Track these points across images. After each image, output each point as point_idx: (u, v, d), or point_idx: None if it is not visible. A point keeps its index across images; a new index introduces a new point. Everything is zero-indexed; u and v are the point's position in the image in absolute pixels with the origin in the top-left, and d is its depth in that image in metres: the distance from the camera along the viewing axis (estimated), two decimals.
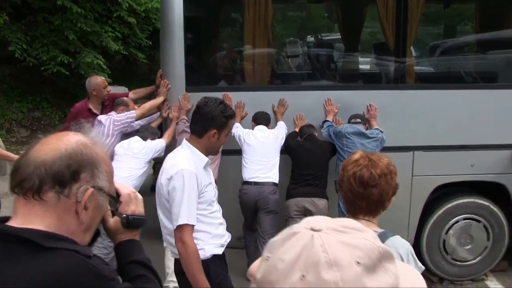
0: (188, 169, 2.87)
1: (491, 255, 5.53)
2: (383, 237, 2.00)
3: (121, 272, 1.49)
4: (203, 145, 3.00)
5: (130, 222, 1.49)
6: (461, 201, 5.38)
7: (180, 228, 2.82)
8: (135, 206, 1.52)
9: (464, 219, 5.40)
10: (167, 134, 4.89)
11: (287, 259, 0.79)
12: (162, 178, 2.95)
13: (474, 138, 5.25)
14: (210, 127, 2.95)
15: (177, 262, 3.17)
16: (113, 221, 1.49)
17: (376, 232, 2.04)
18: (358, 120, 4.89)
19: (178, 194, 2.83)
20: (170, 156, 3.08)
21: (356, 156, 2.10)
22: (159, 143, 4.79)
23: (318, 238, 0.80)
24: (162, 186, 2.93)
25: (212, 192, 3.07)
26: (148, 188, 7.73)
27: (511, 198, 5.38)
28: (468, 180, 5.34)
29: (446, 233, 5.41)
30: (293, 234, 0.83)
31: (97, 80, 5.40)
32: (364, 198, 1.99)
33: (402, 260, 1.95)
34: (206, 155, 3.03)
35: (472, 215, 5.40)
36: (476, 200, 5.42)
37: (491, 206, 5.42)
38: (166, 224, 3.02)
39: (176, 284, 4.66)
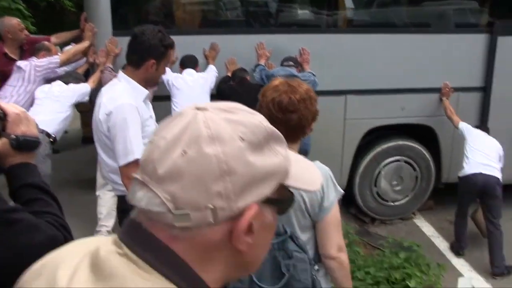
0: (128, 102, 2.72)
1: (419, 195, 5.76)
2: None
3: (14, 198, 1.37)
4: (141, 76, 2.83)
5: (21, 143, 1.37)
6: (391, 143, 5.51)
7: (127, 164, 2.70)
8: (26, 127, 1.40)
9: (395, 161, 5.56)
10: (93, 79, 4.68)
11: (169, 136, 0.76)
12: (100, 113, 2.77)
13: (405, 82, 5.34)
14: (148, 57, 2.78)
15: (120, 201, 3.08)
16: (0, 143, 1.37)
17: None
18: (291, 63, 4.85)
19: (120, 131, 2.70)
20: (106, 90, 2.90)
21: (276, 82, 2.06)
22: (83, 87, 4.59)
23: (201, 115, 0.77)
24: (101, 122, 2.76)
25: (153, 126, 2.94)
26: (79, 141, 7.57)
27: (439, 140, 5.56)
28: (398, 123, 5.45)
29: (377, 175, 5.56)
30: (178, 115, 0.81)
31: (11, 22, 5.04)
32: (283, 124, 1.96)
33: (322, 184, 1.95)
34: (145, 87, 2.88)
35: (402, 157, 5.57)
36: (406, 143, 5.57)
37: (420, 148, 5.59)
38: (108, 162, 2.89)
39: (109, 228, 4.66)
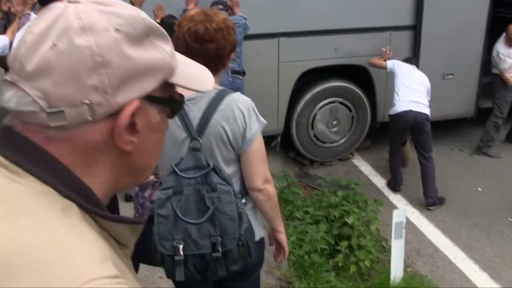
0: None
1: (355, 135, 5.84)
2: (223, 94, 1.93)
3: None
4: None
5: None
6: (327, 85, 5.52)
7: None
8: None
9: (330, 102, 5.58)
10: (11, 31, 4.38)
11: (37, 31, 0.70)
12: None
13: (337, 22, 5.31)
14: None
15: None
16: None
17: (215, 89, 1.95)
18: (220, 6, 4.71)
19: None
20: (19, 34, 2.74)
21: (192, 12, 1.97)
22: (1, 40, 4.31)
23: (72, 8, 0.71)
24: None
25: None
26: None
27: (373, 80, 5.62)
28: (332, 65, 5.45)
29: (314, 117, 5.58)
30: (48, 9, 0.74)
31: None
32: (201, 54, 1.88)
33: (243, 115, 1.90)
34: None
35: (338, 99, 5.60)
36: (341, 84, 5.59)
37: (355, 89, 5.63)
38: None
39: None
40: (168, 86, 0.79)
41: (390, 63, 5.17)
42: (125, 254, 0.79)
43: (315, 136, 5.65)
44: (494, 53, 5.93)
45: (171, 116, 0.84)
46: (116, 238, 0.76)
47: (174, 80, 0.79)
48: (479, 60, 5.88)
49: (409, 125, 4.90)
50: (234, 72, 4.41)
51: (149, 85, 0.74)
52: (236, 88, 4.28)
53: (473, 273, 4.11)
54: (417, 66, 5.20)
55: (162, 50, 0.77)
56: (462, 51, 5.78)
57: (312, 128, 5.62)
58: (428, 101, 5.00)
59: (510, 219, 4.85)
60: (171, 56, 0.79)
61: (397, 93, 4.99)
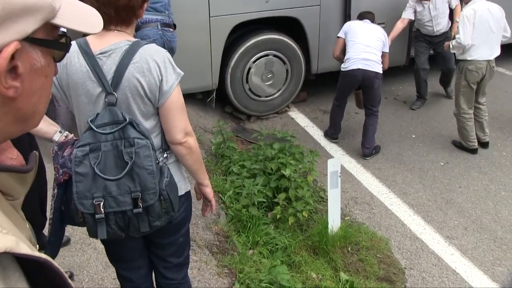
0: None
1: (291, 88, 5.82)
2: (136, 45, 1.83)
3: None
4: None
5: None
6: (259, 38, 5.43)
7: None
8: None
9: (264, 56, 5.52)
10: None
11: None
12: None
13: None
14: None
15: None
16: None
17: (129, 41, 1.85)
18: None
19: None
20: None
21: None
22: None
23: None
24: None
25: None
26: None
27: (306, 32, 5.58)
28: (264, 17, 5.34)
29: (248, 71, 5.51)
30: None
31: None
32: (112, 5, 1.77)
33: (159, 67, 1.82)
34: None
35: (271, 51, 5.53)
36: (274, 36, 5.52)
37: (288, 41, 5.58)
38: None
39: None
40: (52, 28, 0.75)
41: (340, 32, 5.15)
42: (12, 205, 0.75)
43: (251, 90, 5.59)
44: None
45: (58, 60, 0.79)
46: None
47: (57, 21, 0.74)
48: None
49: (358, 82, 4.94)
50: (164, 24, 4.25)
51: (29, 26, 0.69)
52: (167, 42, 4.14)
53: (408, 217, 4.24)
54: (372, 21, 5.15)
55: None
56: None
57: (247, 82, 5.55)
58: (386, 52, 5.03)
59: (442, 164, 5.01)
60: None
61: (347, 50, 4.98)
